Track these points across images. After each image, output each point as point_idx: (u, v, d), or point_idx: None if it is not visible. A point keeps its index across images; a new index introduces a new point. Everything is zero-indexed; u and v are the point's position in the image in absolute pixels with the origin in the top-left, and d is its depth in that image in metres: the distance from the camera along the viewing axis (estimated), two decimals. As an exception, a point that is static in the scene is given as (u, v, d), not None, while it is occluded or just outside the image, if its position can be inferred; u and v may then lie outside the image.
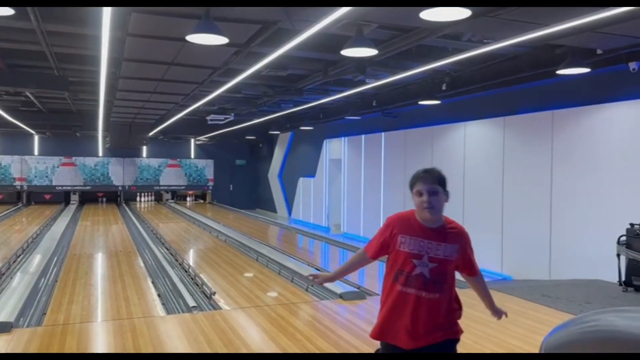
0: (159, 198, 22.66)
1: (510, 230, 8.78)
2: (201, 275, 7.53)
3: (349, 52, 5.66)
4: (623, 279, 6.48)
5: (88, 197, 21.40)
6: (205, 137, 21.57)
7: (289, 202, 19.33)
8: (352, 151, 14.41)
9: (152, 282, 7.26)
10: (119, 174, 21.56)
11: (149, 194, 22.58)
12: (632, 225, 6.54)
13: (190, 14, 5.16)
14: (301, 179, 17.93)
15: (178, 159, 22.50)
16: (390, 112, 12.08)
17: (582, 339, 2.45)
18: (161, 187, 22.36)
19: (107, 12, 4.86)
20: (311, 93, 11.00)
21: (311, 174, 17.06)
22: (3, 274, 7.58)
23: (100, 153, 21.34)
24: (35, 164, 20.42)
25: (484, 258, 9.22)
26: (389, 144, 12.49)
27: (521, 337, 4.89)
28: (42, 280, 7.28)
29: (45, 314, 5.65)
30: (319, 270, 8.39)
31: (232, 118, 15.20)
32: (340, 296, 6.33)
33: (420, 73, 8.25)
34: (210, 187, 22.99)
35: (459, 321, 2.79)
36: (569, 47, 6.29)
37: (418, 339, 2.52)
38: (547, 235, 7.92)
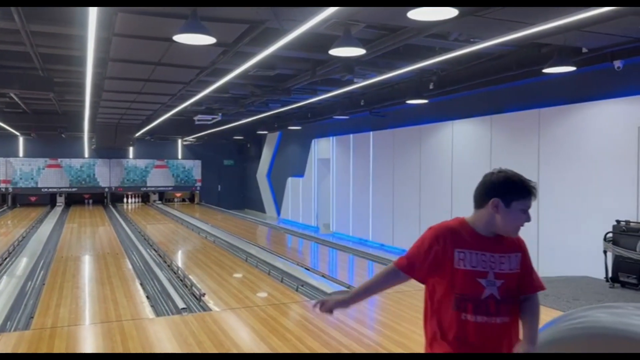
0: (146, 199, 22.51)
1: (498, 228, 8.84)
2: (190, 277, 7.49)
3: (337, 51, 5.67)
4: (610, 275, 6.56)
5: (74, 199, 21.18)
6: (192, 138, 21.47)
7: (277, 202, 19.30)
8: (340, 151, 14.42)
9: (141, 284, 7.20)
10: (105, 175, 21.37)
11: (136, 195, 22.41)
12: (618, 222, 6.62)
13: (177, 14, 5.13)
14: (290, 179, 17.92)
15: (165, 160, 22.35)
16: (379, 111, 12.12)
17: (571, 336, 2.48)
18: (148, 188, 22.20)
19: (93, 12, 4.81)
20: (299, 93, 10.99)
21: (300, 173, 17.05)
22: (-12, 278, 7.48)
23: (87, 154, 21.14)
24: (20, 166, 20.17)
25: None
26: (378, 143, 12.52)
27: (510, 334, 4.93)
28: (29, 283, 7.20)
29: (32, 317, 5.58)
30: (308, 270, 8.39)
31: (219, 118, 15.14)
32: (331, 296, 6.33)
33: (407, 72, 8.27)
34: (198, 188, 22.88)
35: None
36: (555, 46, 6.35)
37: None
38: (534, 232, 7.99)
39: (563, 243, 7.68)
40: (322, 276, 7.87)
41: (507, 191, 2.08)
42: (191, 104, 11.90)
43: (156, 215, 18.27)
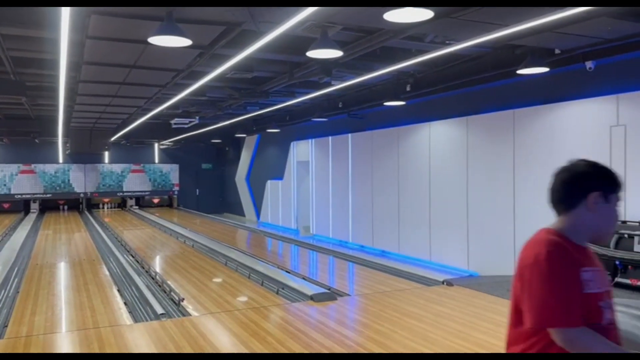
0: (123, 204, 22.18)
1: (475, 228, 8.95)
2: (169, 282, 7.41)
3: (314, 53, 5.67)
4: (584, 271, 6.68)
5: (49, 205, 20.76)
6: (169, 141, 21.23)
7: (257, 205, 19.21)
8: (319, 153, 14.43)
9: (118, 290, 7.09)
10: (80, 180, 21.00)
11: (113, 200, 22.06)
12: (591, 219, 6.75)
13: (153, 16, 5.07)
14: (269, 182, 17.86)
15: (142, 164, 22.07)
16: (357, 113, 12.16)
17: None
18: (125, 193, 21.88)
19: (65, 15, 4.72)
20: (277, 95, 10.97)
21: (279, 176, 17.01)
22: (-41, 287, 7.28)
23: (61, 159, 20.74)
24: (-8, 172, 19.72)
25: (451, 255, 9.39)
26: (356, 145, 12.57)
27: (489, 332, 4.99)
28: (3, 292, 7.03)
29: (6, 326, 5.45)
30: (289, 272, 8.36)
31: (197, 121, 15.01)
32: (311, 298, 6.33)
33: (385, 74, 8.32)
34: (176, 192, 22.64)
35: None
36: (529, 47, 6.46)
37: None
38: (511, 231, 8.11)
39: (539, 241, 7.79)
40: (303, 278, 7.86)
41: (605, 182, 1.70)
42: (168, 107, 11.78)
43: (133, 220, 18.02)
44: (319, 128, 14.39)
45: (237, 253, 10.14)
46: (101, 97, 10.04)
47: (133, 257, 9.97)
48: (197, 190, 23.09)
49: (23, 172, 20.09)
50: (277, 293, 6.78)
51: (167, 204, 22.68)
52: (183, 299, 6.43)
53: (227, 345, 4.87)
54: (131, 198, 22.09)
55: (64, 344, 5.01)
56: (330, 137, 13.74)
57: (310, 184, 14.87)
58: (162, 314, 5.81)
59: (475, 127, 9.06)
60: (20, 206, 20.22)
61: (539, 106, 7.93)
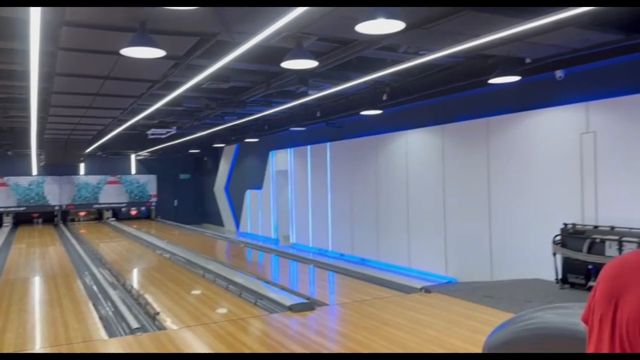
0: (99, 216, 21.81)
1: (453, 235, 9.03)
2: (145, 296, 7.29)
3: (289, 64, 5.69)
4: (560, 276, 6.79)
5: (22, 219, 20.29)
6: (146, 152, 21.01)
7: (236, 215, 19.09)
8: (298, 162, 14.43)
9: (93, 305, 6.96)
10: (55, 193, 20.60)
11: (89, 213, 21.68)
12: (565, 224, 6.88)
13: (125, 27, 5.02)
14: (248, 192, 17.78)
15: (118, 175, 21.77)
16: (334, 122, 12.21)
17: (521, 337, 2.54)
18: (101, 205, 21.53)
19: (35, 25, 4.66)
20: (255, 105, 10.95)
21: (258, 186, 16.95)
22: None
23: (35, 172, 20.34)
24: (-38, 186, 19.24)
25: (429, 262, 9.44)
26: (335, 153, 12.61)
27: (466, 339, 5.02)
28: (-28, 309, 6.83)
29: (-25, 345, 5.29)
30: (268, 283, 8.30)
31: (174, 132, 14.90)
32: (290, 308, 6.29)
33: (361, 84, 8.39)
34: (154, 203, 22.36)
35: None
36: (500, 57, 6.58)
37: None
38: (487, 237, 8.20)
39: (514, 247, 7.90)
40: (282, 289, 7.81)
41: None
42: (144, 118, 11.66)
43: (110, 232, 17.74)
44: (297, 137, 14.40)
45: (216, 264, 10.04)
46: (75, 108, 9.89)
47: (109, 270, 9.80)
48: (176, 201, 22.84)
49: (-5, 185, 19.66)
50: (255, 304, 6.72)
51: (145, 215, 22.38)
52: (158, 312, 6.33)
53: (204, 358, 4.80)
54: (107, 210, 21.75)
55: (36, 362, 4.88)
56: (309, 146, 13.76)
57: (290, 193, 14.85)
58: (137, 328, 5.71)
59: (450, 135, 9.17)
60: (-8, 220, 19.75)
61: (511, 114, 8.06)
